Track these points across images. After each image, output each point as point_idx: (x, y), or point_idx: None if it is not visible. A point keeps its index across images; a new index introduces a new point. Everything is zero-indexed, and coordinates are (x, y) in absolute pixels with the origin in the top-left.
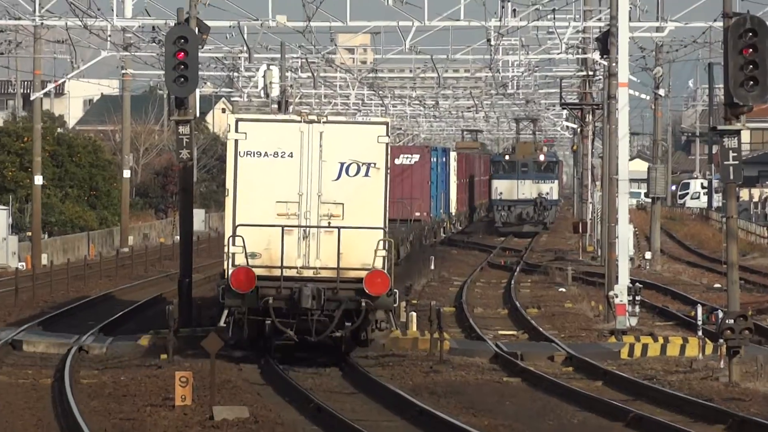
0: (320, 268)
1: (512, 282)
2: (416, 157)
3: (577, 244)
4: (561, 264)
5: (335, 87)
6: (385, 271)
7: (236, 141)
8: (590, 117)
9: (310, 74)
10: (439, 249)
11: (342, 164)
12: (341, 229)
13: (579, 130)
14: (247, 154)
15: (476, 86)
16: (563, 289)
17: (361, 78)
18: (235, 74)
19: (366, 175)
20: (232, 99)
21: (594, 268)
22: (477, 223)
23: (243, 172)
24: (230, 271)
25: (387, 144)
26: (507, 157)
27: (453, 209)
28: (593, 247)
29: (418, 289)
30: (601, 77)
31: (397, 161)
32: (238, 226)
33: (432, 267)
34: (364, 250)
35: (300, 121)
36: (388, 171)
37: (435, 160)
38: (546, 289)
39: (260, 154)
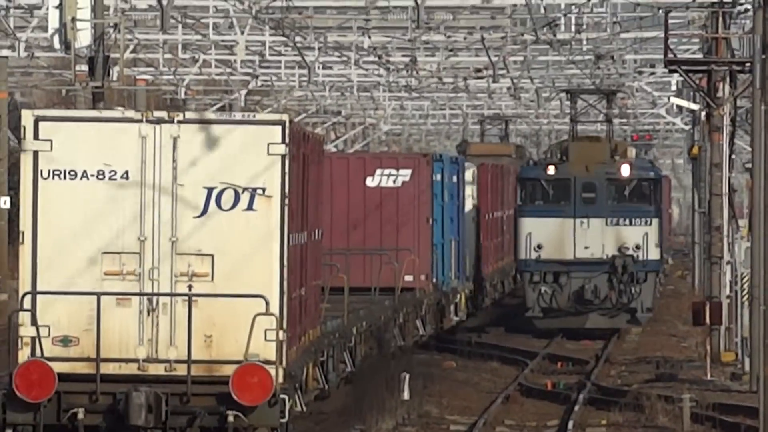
0: (176, 362)
1: (570, 427)
2: (405, 175)
3: (702, 348)
4: (669, 388)
5: (206, 28)
6: (272, 366)
7: (35, 154)
8: (726, 88)
9: (154, 0)
10: (420, 356)
11: (210, 191)
12: (202, 299)
13: (703, 114)
14: (53, 175)
15: (495, 26)
16: None
17: (258, 11)
18: (0, 2)
19: (249, 208)
20: None
21: (736, 397)
22: (487, 311)
23: (47, 203)
24: (15, 369)
25: (283, 156)
26: (551, 171)
27: (469, 270)
28: (734, 353)
29: None
30: (749, 6)
31: (369, 182)
32: (26, 294)
33: (405, 393)
34: (246, 332)
35: (141, 120)
36: (286, 201)
37: (440, 178)
38: None
39: (75, 175)
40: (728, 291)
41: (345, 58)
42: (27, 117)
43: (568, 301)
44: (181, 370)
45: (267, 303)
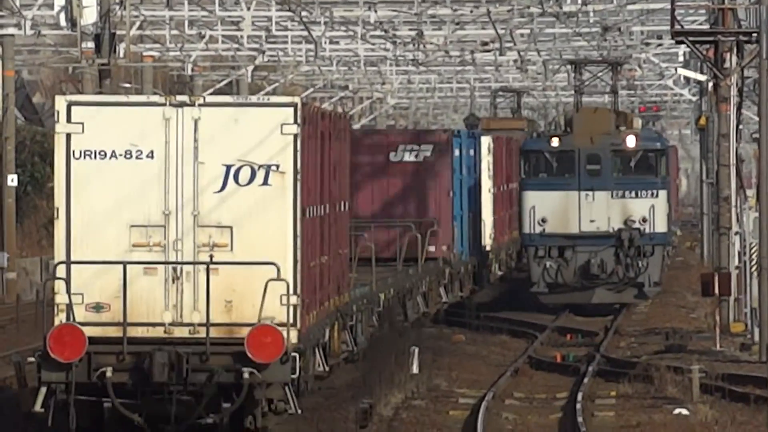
0: (199, 325)
1: (579, 399)
2: (427, 150)
3: (711, 319)
4: (678, 359)
5: (213, 4)
6: (285, 328)
7: (68, 136)
8: (733, 58)
9: None
10: (428, 330)
11: (228, 168)
12: (222, 267)
13: (710, 85)
14: (85, 155)
15: None
16: (684, 411)
17: None
18: None
19: (265, 183)
20: (2, 34)
21: (745, 368)
22: (491, 287)
23: (79, 181)
24: (49, 332)
25: (296, 135)
26: (555, 143)
27: (488, 241)
28: (743, 323)
29: (387, 414)
30: None
31: (392, 157)
32: (59, 264)
33: (415, 368)
34: (262, 297)
35: (164, 104)
36: (298, 176)
37: (459, 153)
38: (649, 411)
39: (105, 155)
40: (737, 262)
41: (351, 33)
42: (60, 102)
43: (573, 276)
44: (203, 333)
45: (278, 269)
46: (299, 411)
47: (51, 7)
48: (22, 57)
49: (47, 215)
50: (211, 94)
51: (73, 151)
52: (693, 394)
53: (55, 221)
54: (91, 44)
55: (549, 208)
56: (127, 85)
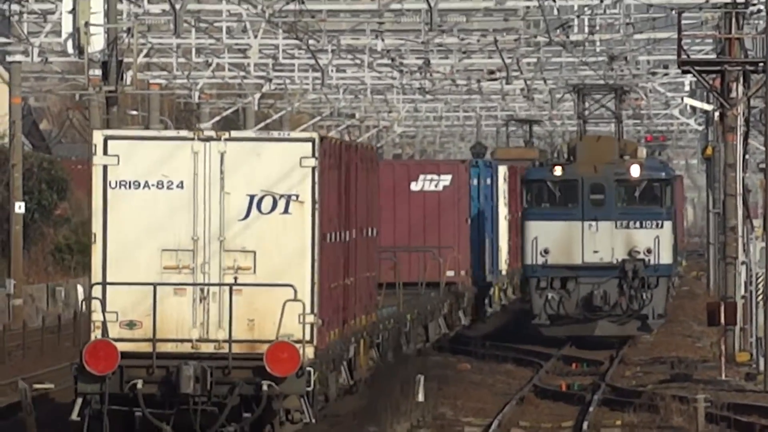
0: (224, 341)
1: (584, 428)
2: (446, 179)
3: (716, 348)
4: (683, 389)
5: (220, 32)
6: (301, 344)
7: (105, 167)
8: (740, 88)
9: (167, 4)
10: (434, 358)
11: (252, 197)
12: (246, 288)
13: (717, 115)
14: (120, 185)
15: (509, 28)
16: None
17: (272, 14)
18: (14, 7)
19: (285, 211)
20: (10, 61)
21: (750, 397)
22: (491, 319)
23: (114, 209)
24: (85, 346)
25: (314, 168)
26: (558, 172)
27: (504, 266)
28: (749, 353)
29: None
30: (762, 6)
31: (414, 186)
32: (94, 285)
33: (420, 395)
34: (285, 316)
35: (193, 139)
36: (317, 206)
37: (477, 182)
38: None
39: (139, 185)
40: (743, 291)
41: (358, 61)
42: (98, 136)
43: (576, 308)
44: (227, 348)
45: (295, 291)
46: (314, 420)
47: (58, 34)
48: (29, 84)
49: (54, 242)
50: (217, 121)
51: (110, 182)
52: (698, 424)
53: (93, 245)
54: (98, 71)
55: (551, 239)
56: (134, 113)
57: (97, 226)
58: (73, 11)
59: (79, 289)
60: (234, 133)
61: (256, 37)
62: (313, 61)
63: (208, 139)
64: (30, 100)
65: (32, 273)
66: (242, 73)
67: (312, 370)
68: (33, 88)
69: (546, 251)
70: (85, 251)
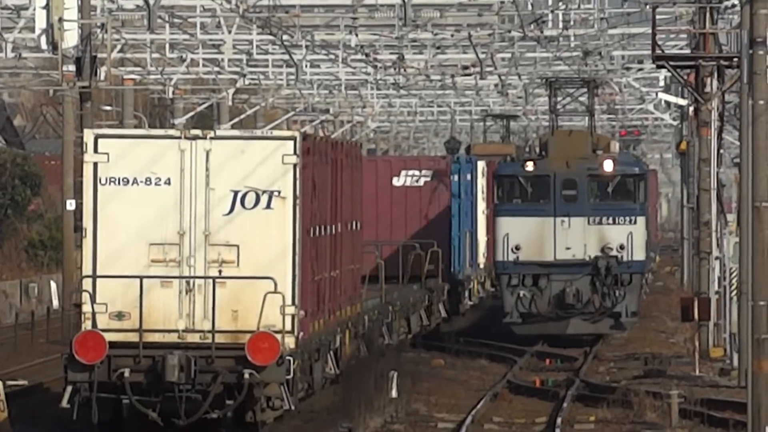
0: (208, 332)
1: (558, 423)
2: (428, 175)
3: (690, 344)
4: (657, 384)
5: (194, 27)
6: (282, 335)
7: (95, 165)
8: (714, 83)
9: (141, 0)
10: (408, 354)
11: (236, 193)
12: (230, 280)
13: (691, 110)
14: (110, 182)
15: (483, 23)
16: None
17: (246, 10)
18: None
19: (268, 206)
20: None
21: (724, 393)
22: (462, 317)
23: (104, 205)
24: (75, 337)
25: (295, 165)
26: (529, 167)
27: (482, 259)
28: (723, 348)
29: None
30: (736, 1)
31: (396, 181)
32: (84, 277)
33: (393, 391)
34: (266, 307)
35: (180, 137)
36: (298, 201)
37: (457, 178)
38: None
39: (127, 182)
40: (717, 287)
41: (332, 56)
42: (88, 135)
43: (548, 306)
44: (218, 339)
45: (275, 283)
46: (293, 407)
47: (32, 30)
48: (3, 80)
49: (27, 238)
50: (191, 117)
51: (100, 178)
52: (672, 419)
53: (83, 240)
54: (72, 67)
55: (523, 235)
56: (108, 108)
57: (87, 222)
58: (47, 7)
59: (53, 285)
60: (219, 132)
61: (230, 32)
62: (287, 57)
63: (194, 137)
64: (4, 96)
65: (5, 269)
66: (216, 69)
67: (292, 359)
68: (7, 84)
69: (517, 248)
70: (58, 248)
